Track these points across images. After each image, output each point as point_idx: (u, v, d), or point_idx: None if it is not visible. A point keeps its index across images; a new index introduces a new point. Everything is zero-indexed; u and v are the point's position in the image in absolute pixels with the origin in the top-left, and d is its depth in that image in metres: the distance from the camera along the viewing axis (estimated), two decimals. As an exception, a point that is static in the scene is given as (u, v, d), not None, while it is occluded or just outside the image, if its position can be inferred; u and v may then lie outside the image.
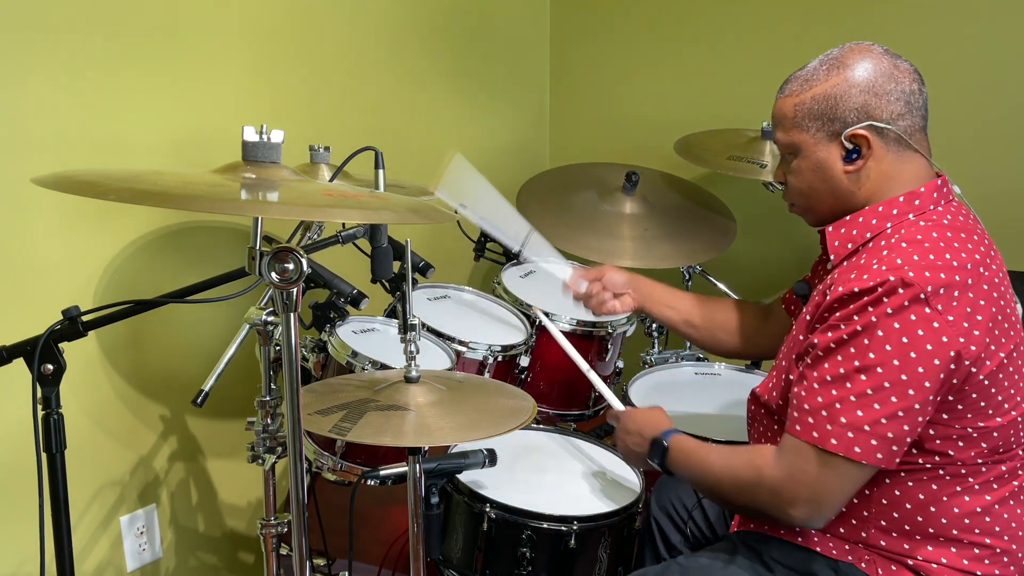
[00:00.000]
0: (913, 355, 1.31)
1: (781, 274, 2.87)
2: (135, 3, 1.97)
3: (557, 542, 1.67)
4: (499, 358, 2.08)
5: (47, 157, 1.86)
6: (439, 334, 2.03)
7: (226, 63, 2.17)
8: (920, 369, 1.31)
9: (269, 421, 1.77)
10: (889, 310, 1.31)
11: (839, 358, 1.35)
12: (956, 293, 1.32)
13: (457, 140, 2.88)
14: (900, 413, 1.32)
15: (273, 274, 1.17)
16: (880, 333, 1.31)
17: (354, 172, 1.92)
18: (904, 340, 1.31)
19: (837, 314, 1.36)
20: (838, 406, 1.34)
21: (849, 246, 1.47)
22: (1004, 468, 1.42)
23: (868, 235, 1.45)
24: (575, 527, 1.66)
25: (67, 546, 1.47)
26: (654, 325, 2.51)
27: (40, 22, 1.82)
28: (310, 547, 1.66)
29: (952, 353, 1.32)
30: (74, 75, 1.89)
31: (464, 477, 1.73)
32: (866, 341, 1.32)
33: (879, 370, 1.32)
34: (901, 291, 1.31)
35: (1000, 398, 1.39)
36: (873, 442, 1.33)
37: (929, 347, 1.31)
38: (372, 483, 1.64)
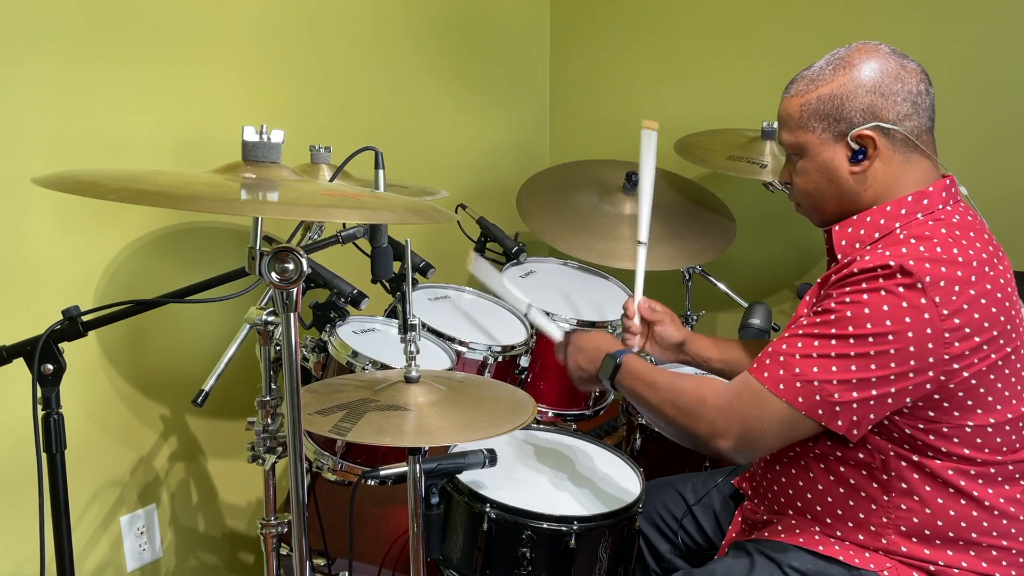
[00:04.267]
0: (891, 337, 1.32)
1: (781, 274, 2.87)
2: (135, 3, 1.97)
3: (557, 542, 1.67)
4: (499, 358, 2.08)
5: (47, 157, 1.86)
6: (439, 334, 2.03)
7: (227, 63, 2.17)
8: (892, 351, 1.32)
9: (269, 421, 1.77)
10: (883, 291, 1.32)
11: (818, 320, 1.37)
12: (957, 288, 1.32)
13: (458, 140, 2.88)
14: (854, 380, 1.34)
15: (273, 274, 1.17)
16: (867, 311, 1.33)
17: (354, 172, 1.92)
18: (888, 323, 1.32)
19: (833, 291, 1.38)
20: (798, 357, 1.36)
21: (857, 246, 1.46)
22: (1011, 468, 1.41)
23: (876, 235, 1.44)
24: (575, 527, 1.66)
25: (67, 546, 1.47)
26: (654, 325, 2.50)
27: (40, 22, 1.82)
28: (310, 547, 1.66)
29: (931, 346, 1.32)
30: (74, 75, 1.89)
31: (464, 477, 1.72)
32: (849, 313, 1.34)
33: (851, 340, 1.33)
34: (899, 276, 1.32)
35: (991, 398, 1.38)
36: (817, 397, 1.35)
37: (911, 334, 1.32)
38: (372, 483, 1.64)
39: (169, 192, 1.09)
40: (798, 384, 1.36)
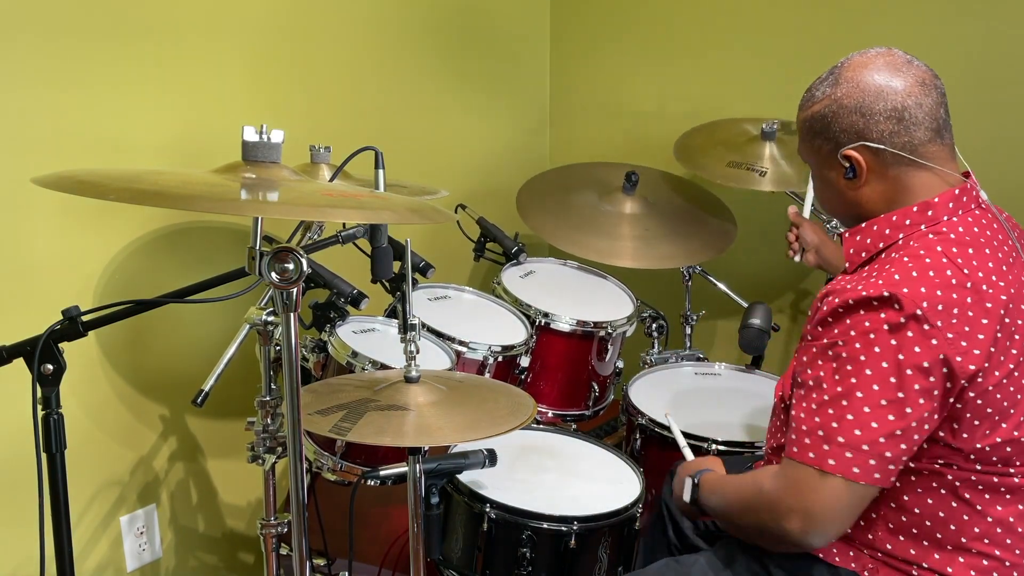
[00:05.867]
0: (909, 372, 1.28)
1: (781, 274, 2.87)
2: (135, 3, 1.97)
3: (557, 542, 1.67)
4: (499, 358, 2.08)
5: (47, 157, 1.86)
6: (439, 334, 2.03)
7: (226, 63, 2.17)
8: (916, 387, 1.28)
9: (269, 421, 1.77)
10: (886, 326, 1.29)
11: (836, 377, 1.32)
12: (955, 311, 1.30)
13: (457, 140, 2.88)
14: (898, 432, 1.29)
15: (273, 274, 1.17)
16: (877, 350, 1.29)
17: (354, 172, 1.92)
18: (900, 357, 1.28)
19: (835, 329, 1.34)
20: (835, 425, 1.31)
21: (863, 255, 1.46)
22: (1017, 481, 1.39)
23: (881, 245, 1.43)
24: (575, 527, 1.66)
25: (67, 546, 1.47)
26: (654, 325, 2.51)
27: (40, 22, 1.82)
28: (310, 547, 1.66)
29: (945, 371, 1.29)
30: (74, 75, 1.89)
31: (464, 477, 1.73)
32: (862, 358, 1.30)
33: (875, 387, 1.29)
34: (896, 307, 1.28)
35: (996, 417, 1.35)
36: (871, 462, 1.30)
37: (926, 364, 1.28)
38: (372, 483, 1.64)
39: (169, 192, 1.09)
40: (848, 455, 1.30)
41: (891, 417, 1.29)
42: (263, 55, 2.25)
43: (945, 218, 1.41)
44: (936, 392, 1.30)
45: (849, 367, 1.31)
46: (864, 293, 1.31)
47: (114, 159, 1.97)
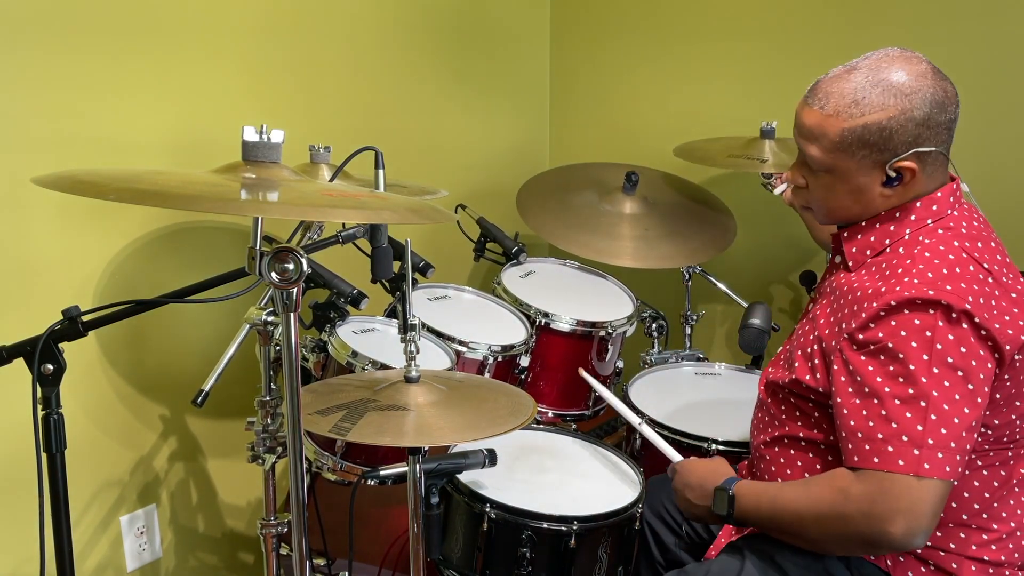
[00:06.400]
0: (974, 363, 1.31)
1: (781, 273, 2.87)
2: (135, 3, 1.97)
3: (557, 542, 1.67)
4: (499, 358, 2.08)
5: (47, 157, 1.86)
6: (439, 334, 2.03)
7: (226, 63, 2.17)
8: (981, 376, 1.32)
9: (269, 421, 1.77)
10: (941, 323, 1.31)
11: (901, 380, 1.32)
12: (993, 302, 1.34)
13: (457, 140, 2.88)
14: (973, 423, 1.32)
15: (273, 274, 1.17)
16: (939, 347, 1.30)
17: (354, 172, 1.92)
18: (963, 350, 1.31)
19: (879, 333, 1.34)
20: (920, 428, 1.29)
21: (868, 253, 1.47)
22: (1010, 454, 1.43)
23: (887, 242, 1.45)
24: (575, 527, 1.66)
25: (67, 546, 1.47)
26: (654, 325, 2.51)
27: (40, 22, 1.82)
28: (310, 547, 1.66)
29: (996, 357, 1.34)
30: (73, 75, 1.89)
31: (464, 477, 1.72)
32: (925, 357, 1.30)
33: (946, 383, 1.30)
34: (945, 305, 1.31)
35: (1009, 396, 1.40)
36: (958, 458, 1.30)
37: (982, 352, 1.32)
38: (372, 483, 1.64)
39: (169, 192, 1.09)
40: (939, 455, 1.29)
41: (967, 410, 1.31)
42: (263, 55, 2.25)
43: (948, 211, 1.44)
44: (993, 377, 1.34)
45: (912, 367, 1.31)
46: (906, 294, 1.33)
47: (114, 159, 1.97)
